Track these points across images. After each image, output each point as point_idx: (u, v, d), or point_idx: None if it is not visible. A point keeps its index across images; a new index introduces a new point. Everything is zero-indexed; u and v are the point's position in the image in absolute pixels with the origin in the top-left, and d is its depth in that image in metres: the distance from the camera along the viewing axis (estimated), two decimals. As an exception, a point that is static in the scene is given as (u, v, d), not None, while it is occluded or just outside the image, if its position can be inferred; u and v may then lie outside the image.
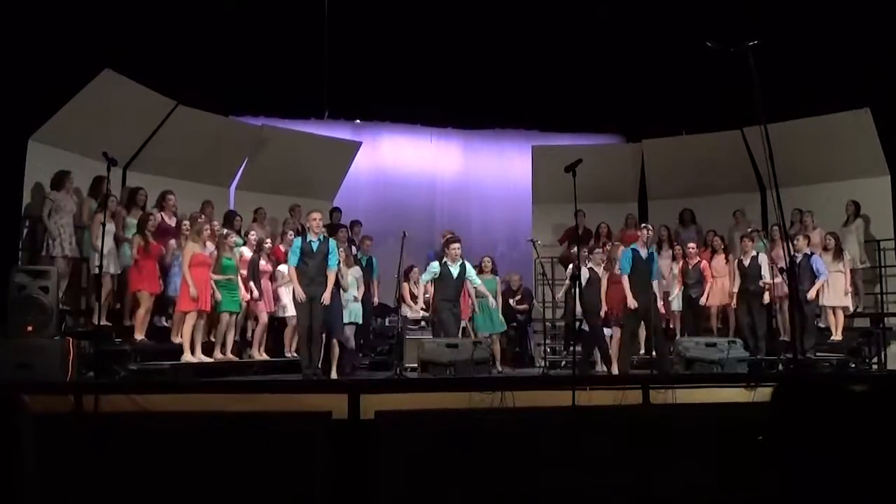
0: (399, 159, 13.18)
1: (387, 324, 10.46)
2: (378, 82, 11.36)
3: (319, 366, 8.02)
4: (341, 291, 8.50)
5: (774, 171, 4.79)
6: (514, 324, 10.53)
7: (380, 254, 10.10)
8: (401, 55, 11.17)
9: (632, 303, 8.59)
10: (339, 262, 8.26)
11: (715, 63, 8.85)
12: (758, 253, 9.45)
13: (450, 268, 8.56)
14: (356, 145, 12.07)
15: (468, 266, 8.71)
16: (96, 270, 7.76)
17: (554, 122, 12.70)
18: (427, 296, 10.22)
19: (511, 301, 10.40)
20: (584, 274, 9.05)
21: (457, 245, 8.61)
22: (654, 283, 8.88)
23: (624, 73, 11.60)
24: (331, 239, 8.22)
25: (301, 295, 7.80)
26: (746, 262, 9.45)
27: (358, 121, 12.66)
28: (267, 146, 11.16)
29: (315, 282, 7.85)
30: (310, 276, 7.85)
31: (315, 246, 7.88)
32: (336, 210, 11.18)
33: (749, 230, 10.13)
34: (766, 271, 9.29)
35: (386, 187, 12.85)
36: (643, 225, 9.42)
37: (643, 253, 8.78)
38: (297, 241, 8.02)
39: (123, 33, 9.00)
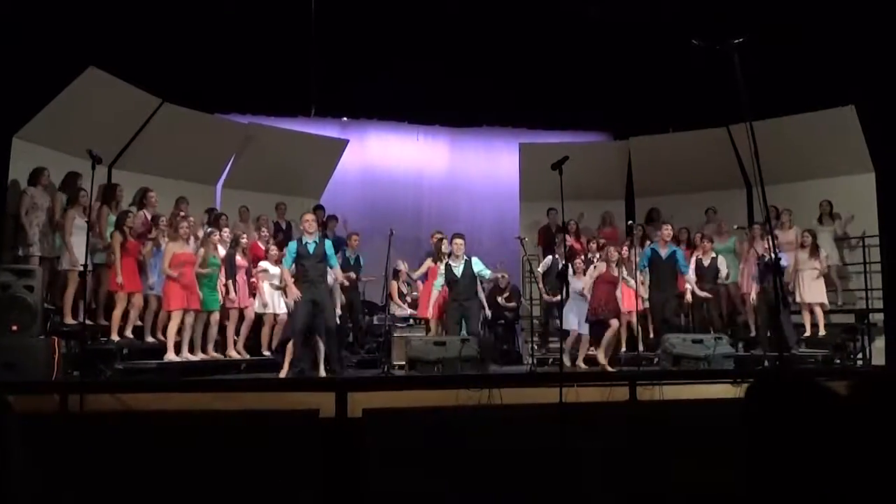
0: (386, 157, 13.13)
1: (374, 322, 10.44)
2: (365, 80, 11.31)
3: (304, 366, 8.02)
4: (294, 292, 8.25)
5: (760, 169, 4.81)
6: (502, 321, 10.54)
7: (366, 251, 10.09)
8: (387, 53, 11.14)
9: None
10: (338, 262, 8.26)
11: (701, 61, 8.93)
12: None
13: (453, 268, 8.56)
14: (343, 143, 12.04)
15: (475, 261, 8.61)
16: (66, 266, 7.66)
17: (541, 120, 12.69)
18: (416, 293, 10.24)
19: (499, 299, 10.40)
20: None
21: (460, 241, 8.61)
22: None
23: (611, 71, 11.61)
24: (327, 239, 8.19)
25: (295, 294, 7.76)
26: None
27: (345, 118, 12.60)
28: (253, 144, 11.10)
29: (316, 284, 7.78)
30: (310, 278, 7.77)
31: (311, 248, 7.80)
32: (319, 207, 11.08)
33: (736, 227, 10.19)
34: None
35: (373, 185, 12.81)
36: (664, 224, 9.57)
37: (663, 253, 8.99)
38: (293, 245, 7.91)
39: (108, 31, 8.93)
